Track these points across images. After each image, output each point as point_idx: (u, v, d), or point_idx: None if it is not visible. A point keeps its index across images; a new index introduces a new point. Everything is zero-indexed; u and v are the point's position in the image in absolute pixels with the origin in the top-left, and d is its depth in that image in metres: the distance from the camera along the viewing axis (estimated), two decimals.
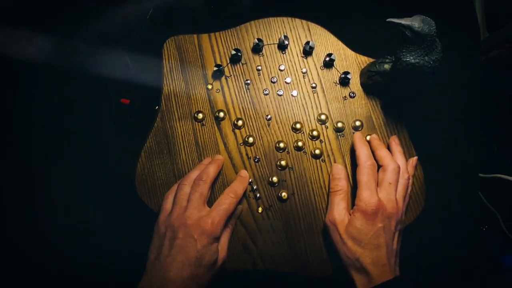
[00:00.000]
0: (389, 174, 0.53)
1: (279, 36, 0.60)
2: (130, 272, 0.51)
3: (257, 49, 0.60)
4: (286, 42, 0.59)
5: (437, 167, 0.64)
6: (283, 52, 0.60)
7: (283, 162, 0.58)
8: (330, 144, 0.59)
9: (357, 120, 0.59)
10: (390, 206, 0.52)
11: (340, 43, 0.61)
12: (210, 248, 0.50)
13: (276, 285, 0.60)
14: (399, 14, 0.48)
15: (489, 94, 0.73)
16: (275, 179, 0.57)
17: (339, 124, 0.59)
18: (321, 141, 0.59)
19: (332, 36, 0.61)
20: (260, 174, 0.58)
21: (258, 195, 0.58)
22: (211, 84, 0.59)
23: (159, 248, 0.51)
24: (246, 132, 0.59)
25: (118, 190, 0.62)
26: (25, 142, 0.64)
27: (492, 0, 1.03)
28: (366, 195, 0.51)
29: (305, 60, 0.60)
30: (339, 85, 0.60)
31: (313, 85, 0.60)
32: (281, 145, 0.58)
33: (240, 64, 0.60)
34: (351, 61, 0.61)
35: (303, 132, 0.59)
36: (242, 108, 0.59)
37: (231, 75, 0.60)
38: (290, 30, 0.61)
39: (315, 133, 0.59)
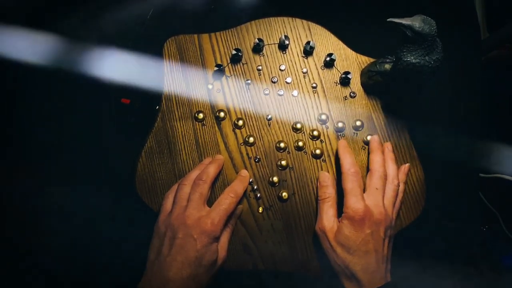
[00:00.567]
0: (375, 180, 0.54)
1: (280, 36, 0.60)
2: (130, 272, 0.51)
3: (257, 49, 0.59)
4: (287, 42, 0.59)
5: (437, 167, 0.64)
6: (284, 52, 0.60)
7: (283, 162, 0.58)
8: (330, 144, 0.59)
9: (357, 120, 0.59)
10: (378, 212, 0.51)
11: (340, 43, 0.61)
12: (209, 248, 0.50)
13: (276, 285, 0.60)
14: (399, 14, 0.48)
15: (489, 94, 0.73)
16: (275, 179, 0.57)
17: (340, 124, 0.59)
18: (321, 141, 0.59)
19: (332, 36, 0.61)
20: (260, 174, 0.58)
21: (258, 195, 0.58)
22: (212, 84, 0.59)
23: (159, 248, 0.51)
24: (246, 132, 0.59)
25: (118, 190, 0.62)
26: (25, 142, 0.64)
27: (492, 0, 1.03)
28: (353, 202, 0.51)
29: (305, 60, 0.60)
30: (339, 85, 0.60)
31: (314, 85, 0.60)
32: (282, 145, 0.58)
33: (241, 64, 0.60)
34: (351, 61, 0.61)
35: (304, 132, 0.59)
36: (243, 108, 0.59)
37: (231, 75, 0.60)
38: (291, 30, 0.60)
39: (315, 133, 0.59)
